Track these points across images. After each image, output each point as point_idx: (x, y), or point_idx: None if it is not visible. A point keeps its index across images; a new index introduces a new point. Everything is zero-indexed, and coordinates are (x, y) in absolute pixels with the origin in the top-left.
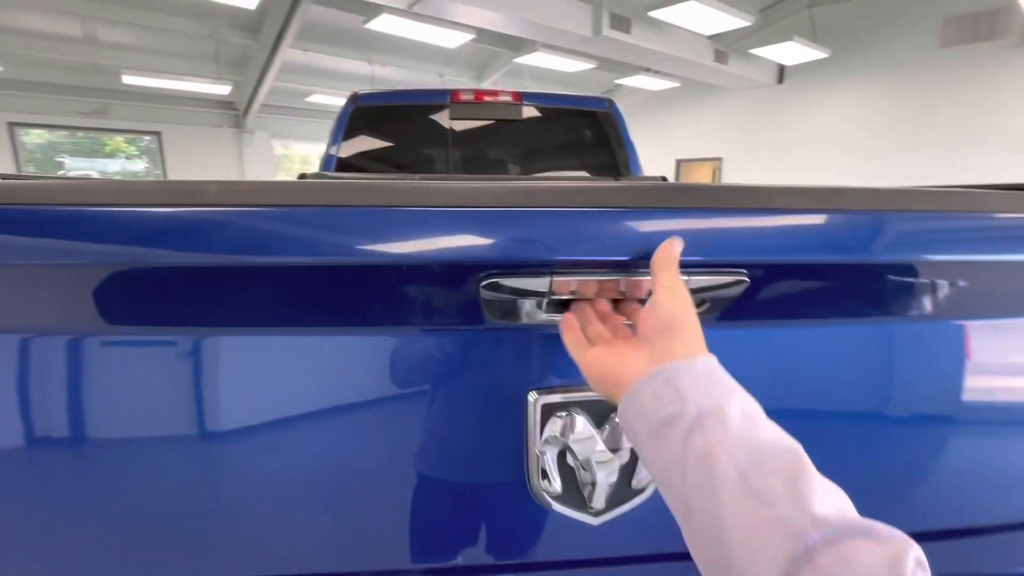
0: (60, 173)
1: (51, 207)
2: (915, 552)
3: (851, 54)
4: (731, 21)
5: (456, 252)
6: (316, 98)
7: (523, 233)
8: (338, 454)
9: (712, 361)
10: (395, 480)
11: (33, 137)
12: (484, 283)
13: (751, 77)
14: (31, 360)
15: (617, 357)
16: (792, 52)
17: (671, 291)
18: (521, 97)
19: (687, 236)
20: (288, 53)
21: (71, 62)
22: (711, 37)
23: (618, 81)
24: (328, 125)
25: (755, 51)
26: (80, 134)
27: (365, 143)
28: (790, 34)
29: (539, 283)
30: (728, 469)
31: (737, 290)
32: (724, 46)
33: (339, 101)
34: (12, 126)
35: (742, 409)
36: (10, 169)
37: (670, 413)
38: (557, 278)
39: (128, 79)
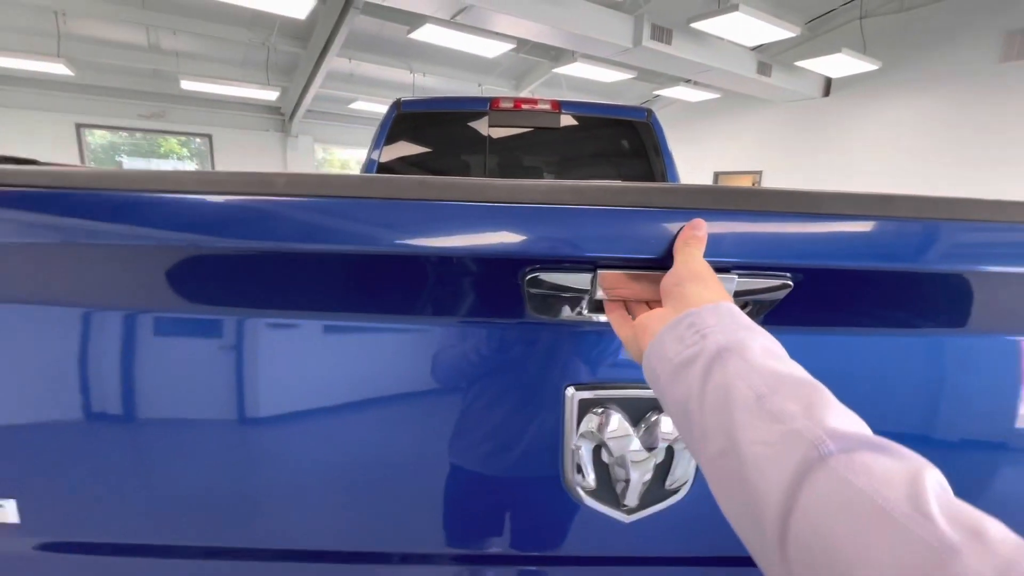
0: None
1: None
2: (936, 473)
3: (904, 66)
4: (776, 33)
5: (502, 246)
6: (358, 105)
7: (570, 230)
8: (380, 440)
9: (734, 306)
10: (431, 467)
11: (96, 138)
12: (528, 278)
13: (795, 89)
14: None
15: (649, 314)
16: (840, 64)
17: (688, 259)
18: (560, 106)
19: (732, 238)
20: (334, 61)
21: (135, 68)
22: (754, 48)
23: (657, 92)
24: (369, 131)
25: (800, 63)
26: (138, 135)
27: (406, 148)
28: (838, 46)
29: (583, 280)
30: (745, 392)
31: (780, 294)
32: (768, 58)
33: (381, 108)
34: (79, 127)
35: (763, 346)
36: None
37: (691, 353)
38: (601, 276)
39: (186, 84)
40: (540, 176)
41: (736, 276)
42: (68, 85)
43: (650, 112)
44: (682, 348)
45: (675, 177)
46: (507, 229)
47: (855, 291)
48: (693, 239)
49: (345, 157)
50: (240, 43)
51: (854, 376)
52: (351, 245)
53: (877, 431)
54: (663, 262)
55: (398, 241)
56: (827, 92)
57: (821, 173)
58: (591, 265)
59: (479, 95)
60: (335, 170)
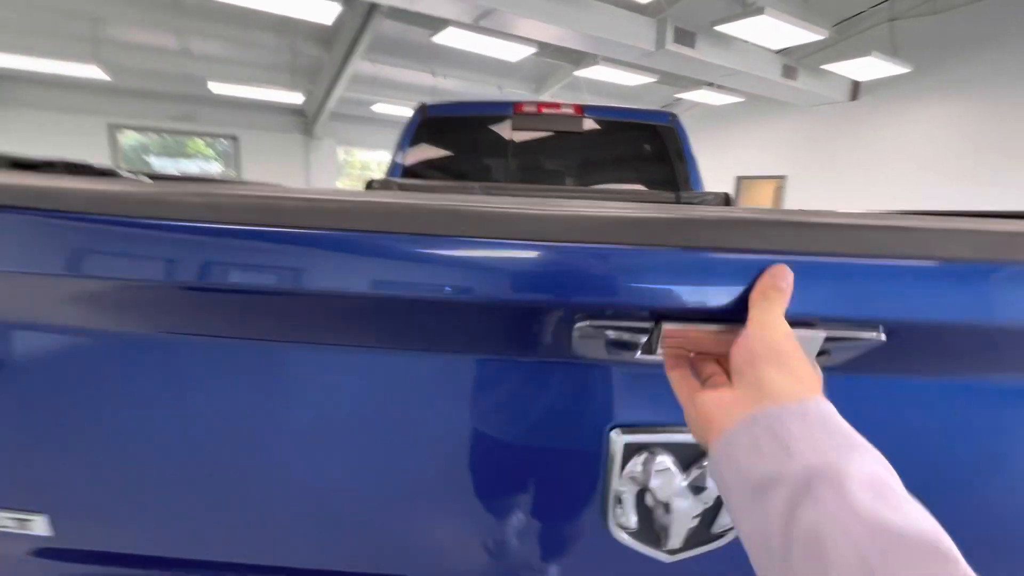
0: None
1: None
2: None
3: (937, 70)
4: (803, 35)
5: (545, 293)
6: (380, 108)
7: (624, 275)
8: (423, 477)
9: (827, 407)
10: (472, 504)
11: (127, 138)
12: (578, 323)
13: (822, 93)
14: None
15: (714, 397)
16: (869, 67)
17: (765, 322)
18: (582, 110)
19: (821, 285)
20: (358, 65)
21: (166, 71)
22: (779, 52)
23: (678, 95)
24: (390, 133)
25: (827, 66)
26: (167, 137)
27: (430, 151)
28: (867, 48)
29: (637, 326)
30: (844, 552)
31: (865, 348)
32: (793, 61)
33: (402, 111)
34: (112, 128)
35: (870, 476)
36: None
37: (770, 472)
38: (664, 330)
39: (214, 87)
40: (562, 181)
41: (824, 335)
42: (102, 88)
43: (674, 116)
44: (758, 461)
45: (699, 182)
46: (554, 270)
47: (968, 347)
48: (773, 291)
49: (366, 159)
50: (267, 47)
51: (949, 430)
52: (380, 290)
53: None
54: (736, 314)
55: (431, 282)
56: (855, 96)
57: (846, 178)
58: (647, 312)
59: (502, 99)
60: (356, 171)
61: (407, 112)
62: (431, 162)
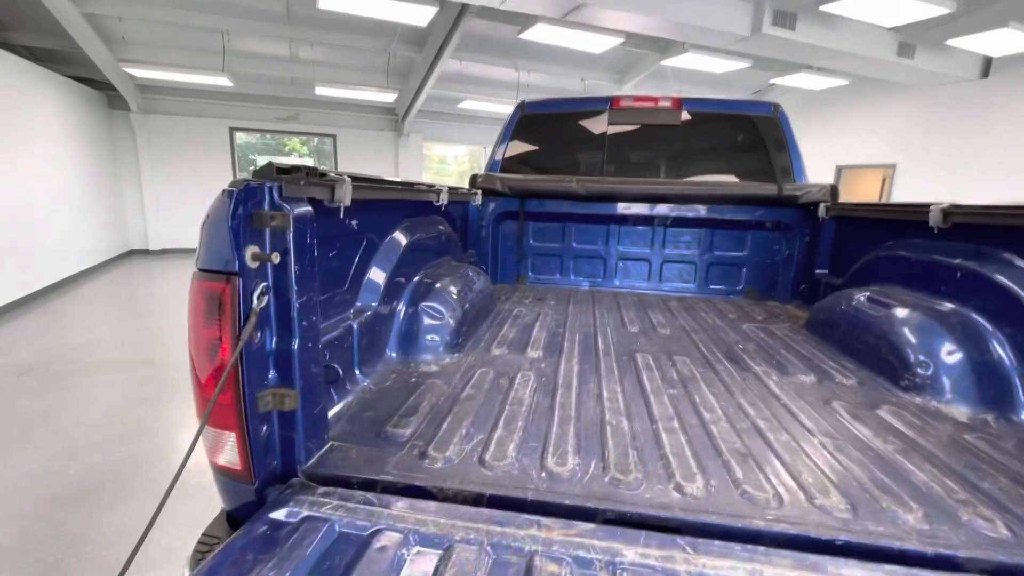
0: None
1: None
2: None
3: None
4: (925, 9)
5: None
6: (466, 104)
7: None
8: None
9: None
10: None
11: (239, 139)
12: None
13: (944, 71)
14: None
15: None
16: (1006, 40)
17: None
18: (680, 103)
19: None
20: (446, 63)
21: (278, 77)
22: (893, 29)
23: (773, 80)
24: (471, 128)
25: (952, 41)
26: (269, 136)
27: (528, 147)
28: (1004, 19)
29: None
30: None
31: None
32: (911, 38)
33: (486, 106)
34: (232, 130)
35: None
36: (227, 164)
37: None
38: None
39: (319, 90)
40: (656, 172)
41: None
42: (226, 94)
43: (777, 107)
44: None
45: (802, 173)
46: None
47: None
48: None
49: (443, 153)
50: (365, 50)
51: None
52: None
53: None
54: None
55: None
56: (986, 73)
57: (974, 164)
58: None
59: (598, 95)
60: (435, 165)
61: (491, 108)
62: (530, 156)
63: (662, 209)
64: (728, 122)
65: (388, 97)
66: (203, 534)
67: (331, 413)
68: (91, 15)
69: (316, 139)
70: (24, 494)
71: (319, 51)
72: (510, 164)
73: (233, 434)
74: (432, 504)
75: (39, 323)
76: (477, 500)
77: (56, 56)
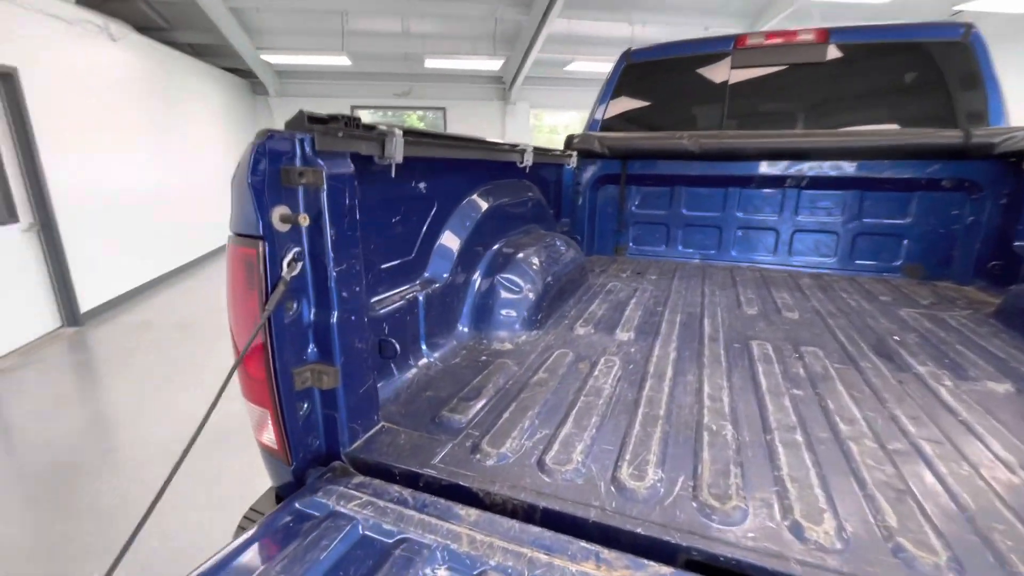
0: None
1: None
2: None
3: None
4: None
5: None
6: (574, 66)
7: None
8: None
9: None
10: None
11: (362, 116)
12: None
13: None
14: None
15: None
16: None
17: None
18: (827, 35)
19: None
20: (554, 24)
21: (391, 53)
22: None
23: (958, 7)
24: (580, 93)
25: None
26: (388, 111)
27: (633, 103)
28: None
29: None
30: None
31: None
32: None
33: (596, 66)
34: (353, 108)
35: None
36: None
37: None
38: None
39: (429, 63)
40: (791, 123)
41: None
42: (346, 74)
43: (970, 28)
44: None
45: (1001, 116)
46: None
47: None
48: None
49: (553, 122)
50: (472, 18)
51: None
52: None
53: None
54: None
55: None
56: None
57: None
58: None
59: (720, 35)
60: (543, 135)
61: (601, 68)
62: (634, 114)
63: (797, 168)
64: (892, 55)
65: (495, 64)
66: (250, 508)
67: (390, 390)
68: (235, 8)
69: (430, 113)
70: (174, 433)
71: (429, 23)
72: (612, 124)
73: (268, 412)
74: (473, 513)
75: (198, 286)
76: (528, 513)
77: (211, 50)
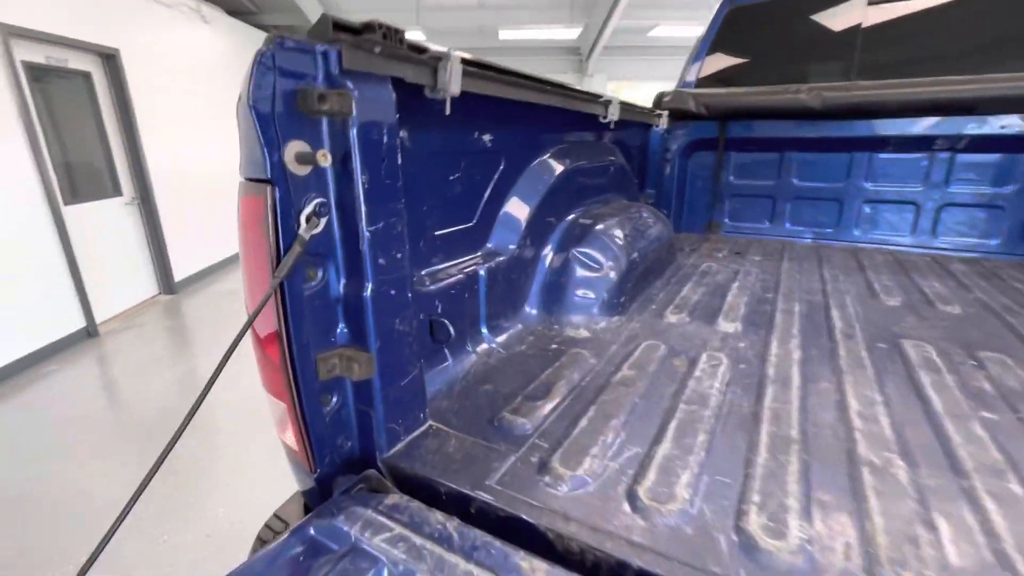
0: None
1: None
2: None
3: None
4: None
5: None
6: (659, 31)
7: None
8: None
9: None
10: None
11: None
12: None
13: None
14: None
15: None
16: None
17: None
18: None
19: None
20: None
21: (465, 27)
22: None
23: None
24: (665, 62)
25: None
26: None
27: (734, 59)
28: None
29: None
30: None
31: None
32: None
33: (684, 31)
34: None
35: None
36: None
37: None
38: None
39: (503, 34)
40: (939, 69)
41: None
42: None
43: None
44: None
45: None
46: None
47: None
48: None
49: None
50: None
51: None
52: None
53: None
54: None
55: None
56: None
57: None
58: None
59: None
60: None
61: (689, 33)
62: (736, 72)
63: (954, 126)
64: None
65: (572, 33)
66: (273, 514)
67: (442, 382)
68: None
69: None
70: (242, 399)
71: None
72: (708, 84)
73: (284, 405)
74: (540, 568)
75: None
76: (615, 572)
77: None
